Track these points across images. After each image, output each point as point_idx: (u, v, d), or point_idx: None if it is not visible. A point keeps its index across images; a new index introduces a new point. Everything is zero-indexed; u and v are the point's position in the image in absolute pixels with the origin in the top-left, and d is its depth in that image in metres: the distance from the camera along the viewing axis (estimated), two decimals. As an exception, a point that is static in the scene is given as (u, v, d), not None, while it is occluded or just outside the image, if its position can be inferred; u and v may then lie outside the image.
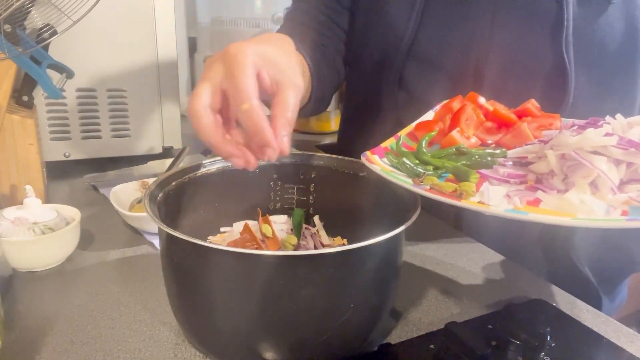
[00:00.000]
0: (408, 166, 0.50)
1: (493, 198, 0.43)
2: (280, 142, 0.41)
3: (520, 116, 0.59)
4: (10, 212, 0.60)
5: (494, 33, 0.70)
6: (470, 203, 0.42)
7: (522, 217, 0.40)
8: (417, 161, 0.51)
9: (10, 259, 0.58)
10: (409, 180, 0.48)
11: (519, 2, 0.69)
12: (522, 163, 0.49)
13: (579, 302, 0.57)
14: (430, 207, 0.72)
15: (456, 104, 0.61)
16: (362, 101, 0.86)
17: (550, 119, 0.58)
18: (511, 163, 0.50)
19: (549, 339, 0.46)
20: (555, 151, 0.46)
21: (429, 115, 0.62)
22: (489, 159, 0.51)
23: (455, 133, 0.55)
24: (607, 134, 0.44)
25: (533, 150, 0.50)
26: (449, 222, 0.77)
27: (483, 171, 0.48)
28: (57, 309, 0.52)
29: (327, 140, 1.37)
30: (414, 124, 0.60)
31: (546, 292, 0.59)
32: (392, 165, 0.51)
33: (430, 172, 0.49)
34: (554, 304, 0.55)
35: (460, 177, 0.48)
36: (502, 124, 0.59)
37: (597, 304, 0.77)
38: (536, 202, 0.43)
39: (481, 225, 0.75)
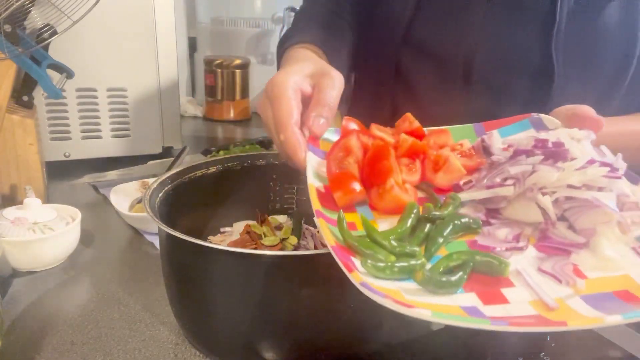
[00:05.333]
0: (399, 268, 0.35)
1: (539, 284, 0.35)
2: (308, 123, 0.45)
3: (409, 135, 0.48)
4: (10, 212, 0.60)
5: (486, 25, 0.69)
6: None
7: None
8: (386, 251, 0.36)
9: (10, 259, 0.57)
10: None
11: None
12: (492, 210, 0.42)
13: (579, 302, 0.57)
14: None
15: (347, 145, 0.46)
16: (361, 91, 0.87)
17: (442, 134, 0.49)
18: (496, 220, 0.41)
19: (548, 339, 0.46)
20: (549, 195, 0.39)
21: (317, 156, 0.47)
22: (470, 220, 0.40)
23: (397, 191, 0.42)
24: (589, 162, 0.39)
25: (502, 194, 0.41)
26: None
27: (479, 240, 0.39)
28: (57, 309, 0.52)
29: (327, 140, 1.36)
30: (312, 188, 0.43)
31: (546, 292, 0.59)
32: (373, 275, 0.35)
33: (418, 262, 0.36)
34: (554, 304, 0.55)
35: (490, 272, 0.36)
36: (413, 154, 0.47)
37: None
38: (577, 272, 0.36)
39: None
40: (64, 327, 0.49)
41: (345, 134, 0.47)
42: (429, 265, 0.36)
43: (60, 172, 0.88)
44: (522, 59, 0.69)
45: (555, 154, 0.41)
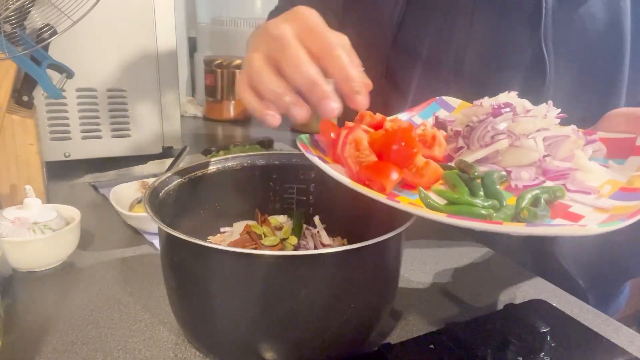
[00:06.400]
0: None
1: (580, 199, 0.41)
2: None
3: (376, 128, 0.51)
4: (10, 212, 0.60)
5: (474, 23, 0.69)
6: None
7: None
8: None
9: (10, 259, 0.58)
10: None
11: None
12: (493, 162, 0.48)
13: (579, 302, 0.57)
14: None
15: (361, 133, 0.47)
16: None
17: (397, 121, 0.52)
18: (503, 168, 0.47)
19: (549, 339, 0.46)
20: (538, 136, 0.46)
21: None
22: (500, 172, 0.45)
23: (434, 163, 0.45)
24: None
25: (498, 148, 0.47)
26: None
27: (517, 184, 0.44)
28: (57, 309, 0.52)
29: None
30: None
31: (546, 292, 0.59)
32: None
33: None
34: (554, 304, 0.55)
35: (552, 199, 0.42)
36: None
37: None
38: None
39: None
40: (64, 327, 0.49)
41: (350, 129, 0.47)
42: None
43: (60, 172, 0.88)
44: (513, 54, 0.69)
45: (512, 110, 0.49)
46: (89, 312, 0.52)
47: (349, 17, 0.81)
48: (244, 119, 1.44)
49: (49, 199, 0.76)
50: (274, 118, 0.42)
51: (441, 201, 0.42)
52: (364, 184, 0.43)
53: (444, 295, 0.57)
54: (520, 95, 0.59)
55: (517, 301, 0.56)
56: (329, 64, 0.42)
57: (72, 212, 0.64)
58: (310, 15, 0.43)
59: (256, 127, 1.39)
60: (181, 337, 0.49)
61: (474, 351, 0.43)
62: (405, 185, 0.45)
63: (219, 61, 1.39)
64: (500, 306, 0.54)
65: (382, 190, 0.42)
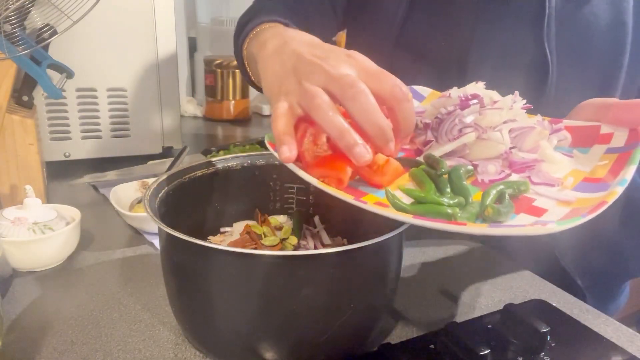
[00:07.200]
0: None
1: (544, 192, 0.42)
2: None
3: None
4: (10, 212, 0.60)
5: (478, 22, 0.69)
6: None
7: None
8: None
9: (10, 259, 0.58)
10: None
11: None
12: (460, 158, 0.48)
13: (579, 302, 0.57)
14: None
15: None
16: None
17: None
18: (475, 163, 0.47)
19: (549, 339, 0.46)
20: (504, 128, 0.47)
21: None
22: (467, 167, 0.46)
23: (394, 162, 0.44)
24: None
25: (466, 141, 0.47)
26: None
27: (483, 178, 0.44)
28: (57, 309, 0.52)
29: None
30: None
31: (546, 292, 0.59)
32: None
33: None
34: (554, 304, 0.55)
35: (517, 193, 0.42)
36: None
37: None
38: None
39: None
40: (64, 327, 0.49)
41: (310, 122, 0.44)
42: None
43: (60, 172, 0.88)
44: (516, 53, 0.69)
45: (479, 101, 0.49)
46: (89, 312, 0.52)
47: (352, 17, 0.81)
48: (244, 119, 1.44)
49: (49, 199, 0.76)
50: (291, 153, 0.41)
51: (408, 200, 0.42)
52: (320, 179, 0.42)
53: (444, 295, 0.57)
54: (523, 94, 0.59)
55: (517, 301, 0.56)
56: (399, 115, 0.43)
57: (72, 212, 0.64)
58: (359, 55, 0.45)
59: (256, 127, 1.39)
60: (181, 337, 0.49)
61: (474, 351, 0.43)
62: (372, 184, 0.45)
63: (219, 61, 1.39)
64: (500, 306, 0.54)
65: (339, 183, 0.42)
